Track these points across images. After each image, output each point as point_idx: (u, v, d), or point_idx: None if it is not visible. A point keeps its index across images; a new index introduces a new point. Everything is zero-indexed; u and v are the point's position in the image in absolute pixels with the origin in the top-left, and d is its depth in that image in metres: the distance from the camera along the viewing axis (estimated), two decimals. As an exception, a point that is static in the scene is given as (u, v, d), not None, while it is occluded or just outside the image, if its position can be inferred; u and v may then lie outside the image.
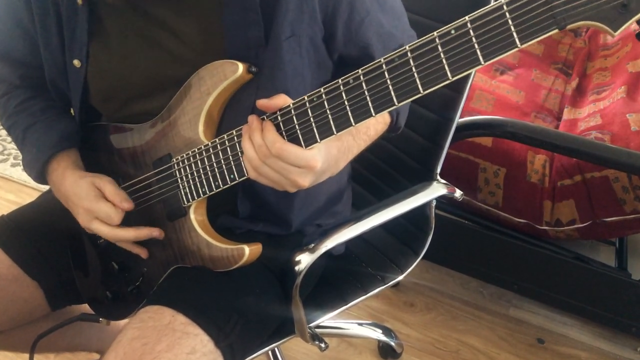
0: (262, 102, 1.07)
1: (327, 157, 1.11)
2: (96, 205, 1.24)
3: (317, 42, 1.21)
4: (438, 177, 1.59)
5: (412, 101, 1.49)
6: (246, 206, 1.32)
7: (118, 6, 1.21)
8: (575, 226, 2.10)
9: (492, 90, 2.55)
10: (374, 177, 1.81)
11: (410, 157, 1.67)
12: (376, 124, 1.26)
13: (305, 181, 1.06)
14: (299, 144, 1.05)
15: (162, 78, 1.23)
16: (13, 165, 3.17)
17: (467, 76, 1.49)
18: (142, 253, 1.31)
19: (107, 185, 1.26)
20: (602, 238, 2.54)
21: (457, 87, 1.52)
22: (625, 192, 1.98)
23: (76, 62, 1.27)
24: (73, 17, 1.24)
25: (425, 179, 1.59)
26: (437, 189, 1.53)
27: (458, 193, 1.55)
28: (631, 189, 1.97)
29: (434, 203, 1.61)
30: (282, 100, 1.06)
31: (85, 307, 1.50)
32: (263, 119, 1.08)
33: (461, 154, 2.20)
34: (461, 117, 1.57)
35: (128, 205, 1.26)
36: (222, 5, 1.15)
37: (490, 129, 2.02)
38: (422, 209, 1.61)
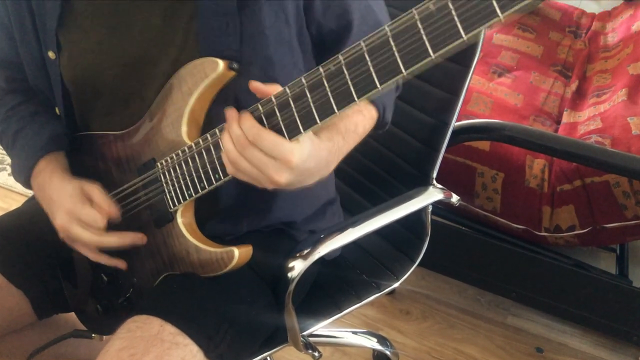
0: (255, 85, 1.03)
1: (316, 158, 1.07)
2: (81, 207, 1.21)
3: (301, 10, 1.18)
4: (434, 182, 1.58)
5: (407, 103, 1.48)
6: (226, 196, 1.28)
7: None
8: (575, 232, 2.08)
9: (490, 93, 2.54)
10: (368, 181, 1.80)
11: (405, 161, 1.65)
12: (364, 120, 1.22)
13: (281, 177, 1.01)
14: (283, 136, 1.01)
15: (134, 60, 1.21)
16: (-1, 170, 3.17)
17: (464, 78, 1.49)
18: (121, 264, 1.29)
19: (96, 190, 1.24)
20: (603, 244, 2.53)
21: (454, 90, 1.51)
22: (626, 197, 1.96)
23: (50, 54, 1.26)
24: (42, 6, 1.22)
25: (421, 183, 1.58)
26: (433, 194, 1.51)
27: (455, 198, 1.54)
28: (632, 194, 1.95)
29: (430, 208, 1.60)
30: (274, 89, 1.03)
31: (74, 316, 1.48)
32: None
33: (458, 159, 2.18)
34: (458, 120, 1.56)
35: (114, 210, 1.23)
36: None
37: (488, 132, 2.00)
38: (418, 215, 1.59)
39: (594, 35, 3.15)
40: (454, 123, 1.53)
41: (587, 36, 3.18)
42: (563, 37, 3.16)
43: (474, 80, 2.56)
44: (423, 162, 1.59)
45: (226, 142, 1.04)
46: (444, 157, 1.56)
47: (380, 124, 1.28)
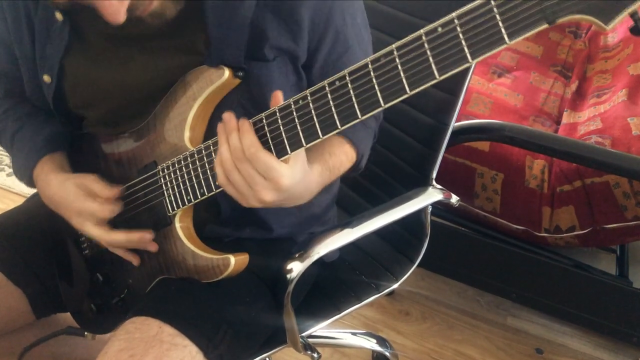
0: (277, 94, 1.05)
1: (304, 186, 1.11)
2: (83, 205, 1.22)
3: (298, 66, 1.22)
4: (434, 183, 1.57)
5: (406, 103, 1.48)
6: (226, 204, 1.28)
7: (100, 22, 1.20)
8: (575, 233, 2.07)
9: (490, 94, 2.53)
10: (367, 182, 1.79)
11: (405, 161, 1.65)
12: (346, 162, 1.27)
13: (268, 196, 1.04)
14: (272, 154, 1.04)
15: (142, 92, 1.22)
16: (-4, 170, 3.17)
17: (464, 79, 1.49)
18: (134, 260, 1.29)
19: (92, 182, 1.24)
20: (603, 245, 2.52)
21: (453, 90, 1.51)
22: (626, 198, 1.95)
23: (46, 78, 1.27)
24: (45, 32, 1.24)
25: (420, 184, 1.57)
26: (432, 195, 1.51)
27: (454, 199, 1.53)
28: (632, 194, 1.94)
29: (430, 209, 1.59)
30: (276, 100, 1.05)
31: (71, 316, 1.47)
32: None
33: (458, 159, 2.17)
34: (457, 120, 1.55)
35: (116, 191, 1.23)
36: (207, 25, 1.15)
37: (488, 133, 2.00)
38: (418, 215, 1.59)
39: (594, 35, 3.13)
40: (454, 123, 1.52)
41: (587, 36, 3.16)
42: (563, 37, 3.15)
43: (473, 80, 2.56)
44: (422, 163, 1.58)
45: (223, 151, 1.05)
46: (443, 158, 1.56)
47: (354, 168, 1.33)
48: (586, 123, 2.31)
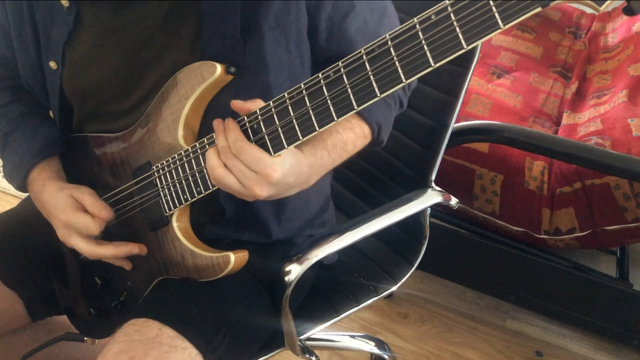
0: (235, 103, 1.05)
1: (297, 173, 1.08)
2: (74, 217, 1.21)
3: (304, 35, 1.19)
4: (433, 184, 1.57)
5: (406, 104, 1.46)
6: (230, 206, 1.28)
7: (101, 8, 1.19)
8: (575, 235, 2.06)
9: (489, 95, 2.53)
10: (366, 184, 1.79)
11: (404, 163, 1.65)
12: (355, 138, 1.22)
13: (262, 191, 1.03)
14: (267, 151, 1.03)
15: (140, 77, 1.21)
16: (-8, 172, 3.15)
17: (463, 79, 1.49)
18: (126, 265, 1.28)
19: (86, 196, 1.23)
20: (603, 247, 2.53)
21: (453, 91, 1.51)
22: (627, 199, 1.95)
23: (52, 64, 1.26)
24: (50, 18, 1.23)
25: (419, 186, 1.57)
26: (432, 197, 1.51)
27: (453, 201, 1.54)
28: (632, 196, 1.94)
29: (429, 211, 1.59)
30: (257, 104, 1.04)
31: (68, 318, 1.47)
32: None
33: (457, 161, 2.17)
34: (457, 122, 1.55)
35: (107, 213, 1.23)
36: None
37: (487, 134, 1.99)
38: (417, 217, 1.58)
39: (594, 35, 3.13)
40: (453, 125, 1.52)
41: (587, 37, 3.16)
42: (563, 38, 3.15)
43: (472, 81, 2.55)
44: (422, 165, 1.58)
45: (210, 153, 1.05)
46: (442, 159, 1.56)
47: (374, 142, 1.28)
48: (586, 124, 2.31)
